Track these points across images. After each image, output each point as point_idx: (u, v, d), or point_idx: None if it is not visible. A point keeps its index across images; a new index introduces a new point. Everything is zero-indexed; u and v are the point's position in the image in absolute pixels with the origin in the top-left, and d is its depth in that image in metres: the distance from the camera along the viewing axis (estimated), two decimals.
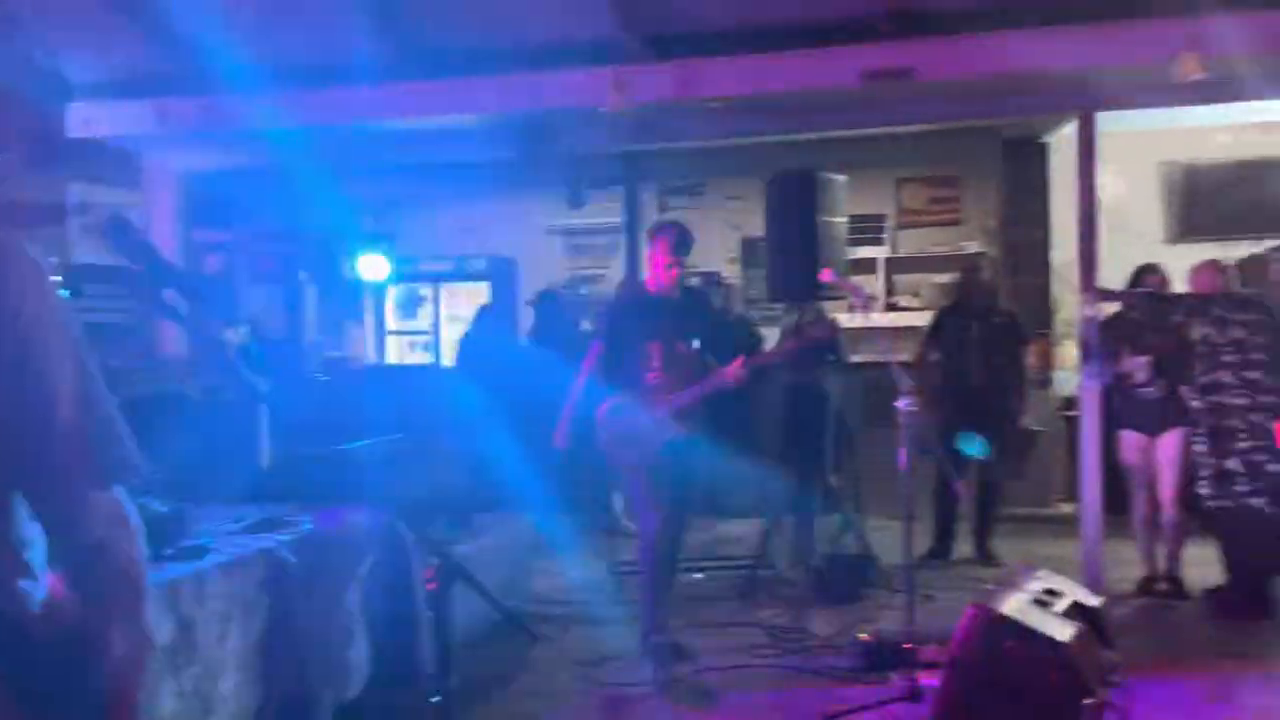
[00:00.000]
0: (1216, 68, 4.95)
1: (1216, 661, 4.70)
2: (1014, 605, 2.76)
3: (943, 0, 5.12)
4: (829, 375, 6.38)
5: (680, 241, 4.81)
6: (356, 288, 9.97)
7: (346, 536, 4.08)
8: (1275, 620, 5.28)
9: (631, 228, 9.09)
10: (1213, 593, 5.61)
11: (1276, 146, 8.29)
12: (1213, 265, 5.75)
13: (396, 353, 10.79)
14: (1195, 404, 5.55)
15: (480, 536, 5.36)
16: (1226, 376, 5.37)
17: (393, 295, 10.81)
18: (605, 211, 9.69)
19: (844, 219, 6.02)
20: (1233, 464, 5.34)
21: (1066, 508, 7.93)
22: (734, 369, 4.73)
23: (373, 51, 5.67)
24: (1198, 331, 5.48)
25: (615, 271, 10.90)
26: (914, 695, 4.20)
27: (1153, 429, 5.70)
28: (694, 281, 10.38)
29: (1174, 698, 4.02)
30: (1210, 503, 5.46)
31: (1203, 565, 5.81)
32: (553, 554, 6.39)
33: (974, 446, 6.00)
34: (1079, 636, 2.71)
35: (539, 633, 5.09)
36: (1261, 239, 8.26)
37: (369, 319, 10.77)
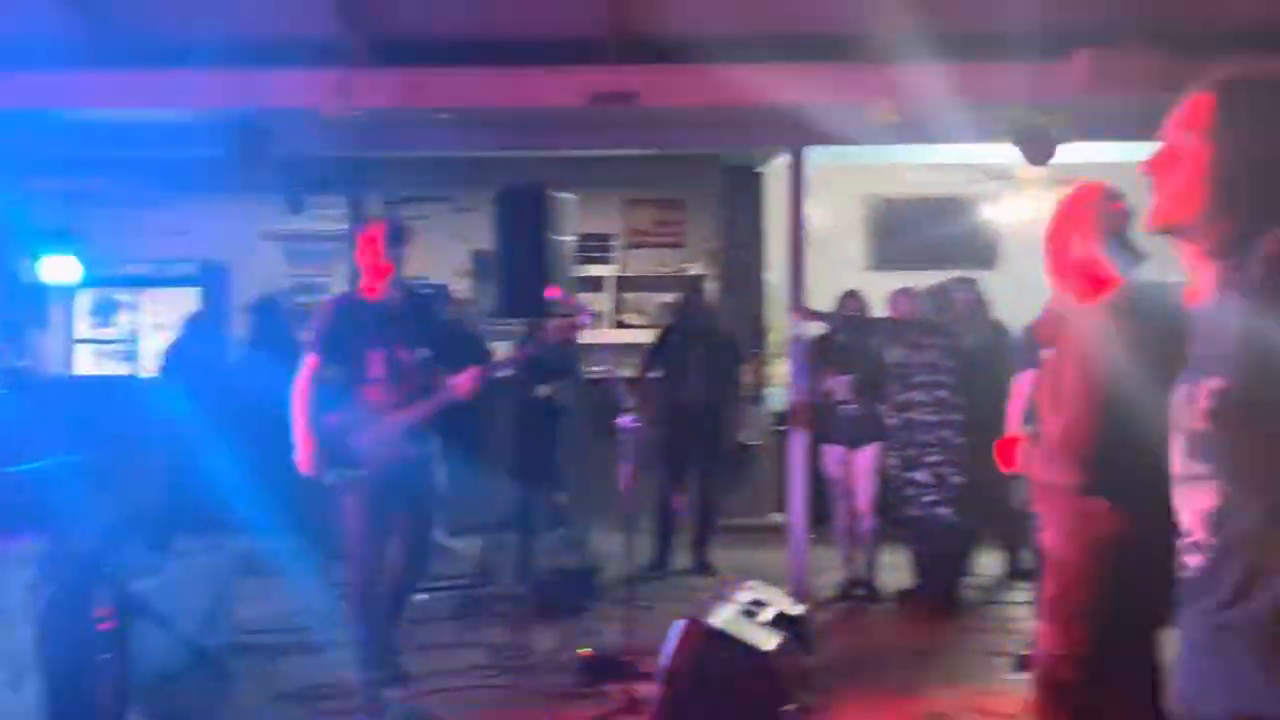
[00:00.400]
0: (908, 112, 5.39)
1: (909, 659, 5.08)
2: (723, 617, 2.85)
3: (668, 29, 5.26)
4: (562, 391, 6.44)
5: (393, 237, 4.44)
6: (41, 291, 9.08)
7: (17, 567, 3.69)
8: (960, 619, 5.76)
9: (355, 236, 8.79)
10: (905, 594, 6.08)
11: (960, 186, 9.13)
12: (908, 293, 6.26)
13: (89, 363, 9.90)
14: (890, 421, 6.00)
15: (179, 561, 5.00)
16: (919, 395, 5.85)
17: (84, 300, 9.93)
18: (328, 218, 9.32)
19: (573, 237, 6.07)
20: (922, 476, 5.81)
21: (778, 518, 8.36)
22: (466, 381, 4.45)
23: (68, 34, 5.18)
24: (894, 354, 5.94)
25: (339, 280, 10.53)
26: (631, 707, 4.29)
27: (852, 443, 6.11)
28: (422, 291, 10.25)
29: (868, 697, 4.30)
30: (903, 512, 5.92)
31: (897, 570, 6.29)
32: (267, 577, 6.05)
33: None
34: (782, 645, 2.84)
35: (232, 668, 4.72)
36: (946, 270, 9.09)
37: (56, 326, 9.83)
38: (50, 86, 5.58)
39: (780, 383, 8.91)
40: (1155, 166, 1.63)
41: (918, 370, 5.93)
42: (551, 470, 6.38)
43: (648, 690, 4.40)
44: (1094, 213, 2.77)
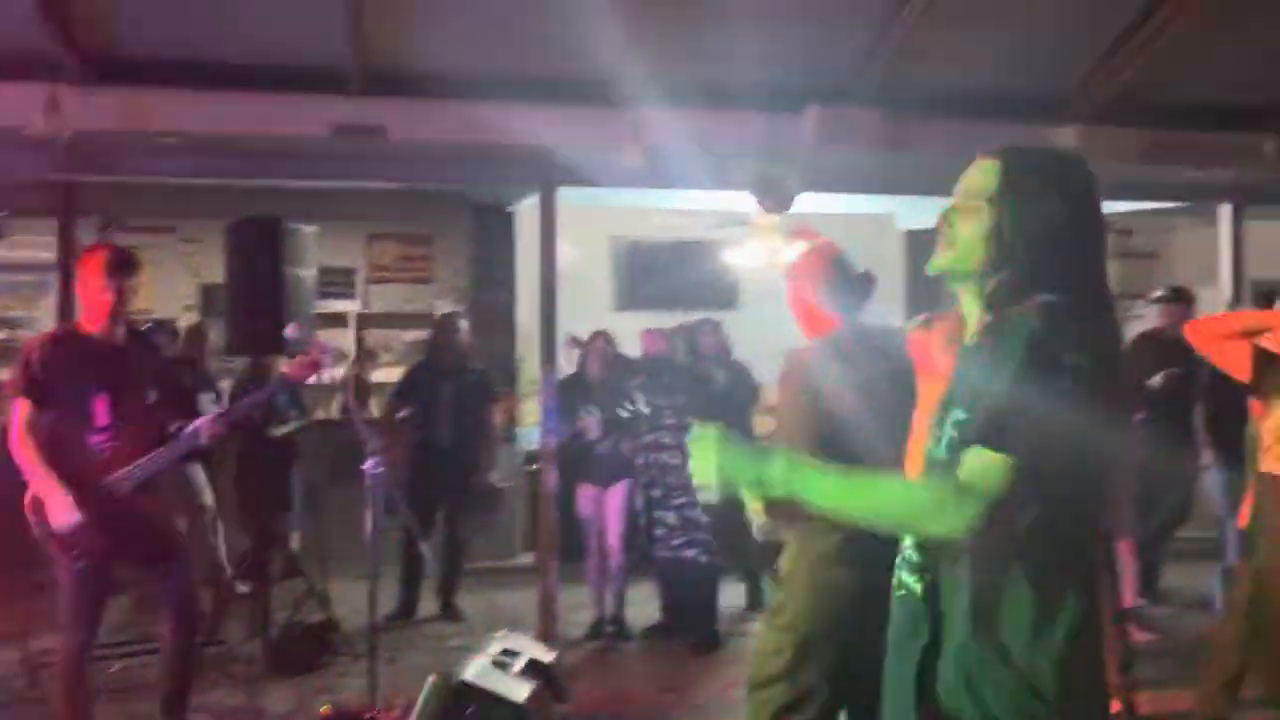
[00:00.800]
0: (653, 157, 5.53)
1: (658, 696, 5.14)
2: (474, 669, 2.76)
3: (416, 62, 5.16)
4: (296, 432, 6.13)
5: (117, 263, 3.98)
6: None
7: None
8: (708, 653, 5.87)
9: (66, 266, 8.06)
10: (653, 631, 6.16)
11: (703, 230, 9.47)
12: (659, 332, 6.39)
13: None
14: (639, 461, 6.08)
15: None
16: (666, 437, 5.94)
17: None
18: (35, 246, 8.50)
19: (313, 271, 5.82)
20: (671, 518, 5.90)
21: (526, 558, 8.29)
22: (209, 426, 4.07)
23: None
24: (643, 394, 6.03)
25: (45, 315, 9.62)
26: None
27: (603, 482, 6.15)
28: (146, 327, 9.52)
29: None
30: (652, 552, 6.01)
31: (644, 605, 6.36)
32: None
33: None
34: (535, 694, 2.77)
35: None
36: (691, 311, 9.39)
37: None
38: None
39: (530, 423, 8.89)
40: (945, 220, 1.83)
41: (666, 411, 6.04)
42: (282, 517, 6.05)
43: None
44: (818, 266, 3.20)
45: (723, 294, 9.56)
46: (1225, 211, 7.14)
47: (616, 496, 6.16)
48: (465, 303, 8.57)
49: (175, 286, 9.72)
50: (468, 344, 6.70)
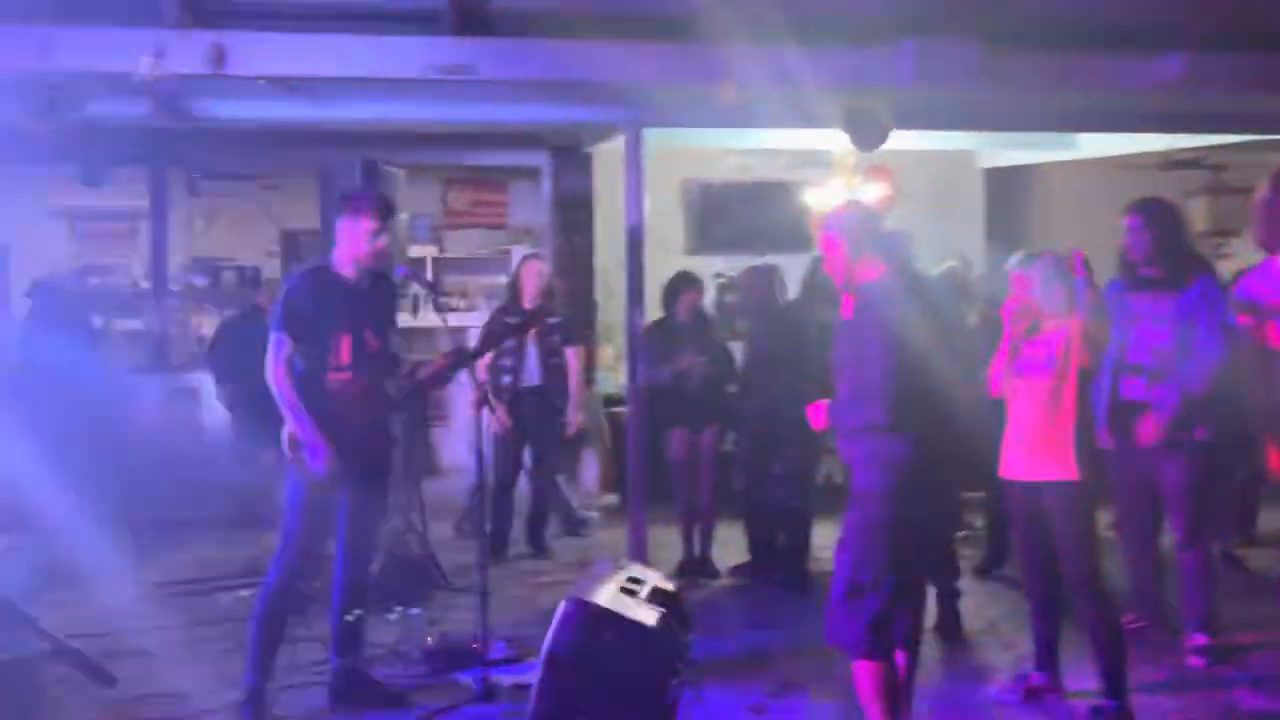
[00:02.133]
0: (746, 94, 5.47)
1: (752, 632, 5.20)
2: (605, 596, 2.81)
3: (508, 1, 5.15)
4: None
5: (384, 208, 4.08)
6: None
7: None
8: (800, 591, 5.88)
9: (159, 213, 8.21)
10: (739, 568, 6.20)
11: (778, 171, 9.38)
12: (757, 272, 6.29)
13: None
14: (749, 404, 6.01)
15: None
16: (779, 387, 5.73)
17: None
18: (124, 194, 8.66)
19: (404, 215, 5.88)
20: (778, 469, 5.86)
21: (610, 499, 8.39)
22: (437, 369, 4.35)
23: None
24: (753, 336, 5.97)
25: (135, 261, 9.82)
26: (487, 695, 4.19)
27: (695, 425, 6.15)
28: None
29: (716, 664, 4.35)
30: (755, 499, 5.98)
31: (727, 545, 6.41)
32: (73, 577, 5.59)
33: None
34: (662, 620, 2.82)
35: (115, 674, 4.28)
36: (763, 254, 9.33)
37: None
38: None
39: (607, 366, 8.94)
40: None
41: (772, 356, 5.90)
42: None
43: (502, 677, 4.37)
44: (860, 216, 3.73)
45: (798, 236, 9.48)
46: None
47: (708, 440, 6.17)
48: (541, 246, 8.59)
49: (257, 232, 9.89)
50: (550, 288, 6.71)
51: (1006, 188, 9.66)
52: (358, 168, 5.46)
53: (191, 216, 9.69)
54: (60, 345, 7.14)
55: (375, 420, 4.19)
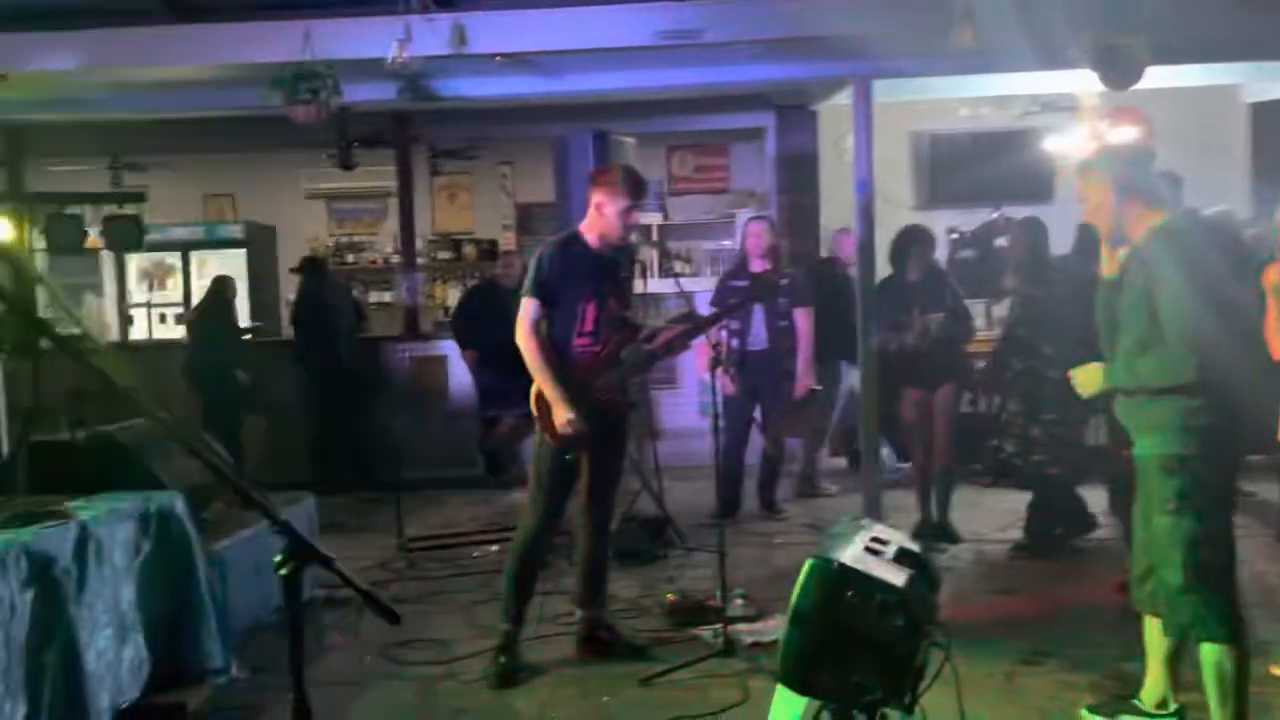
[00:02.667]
0: (983, 40, 5.23)
1: (1000, 598, 5.06)
2: (850, 555, 2.79)
3: None
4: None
5: (637, 183, 4.21)
6: (94, 257, 9.10)
7: (118, 526, 3.68)
8: (1056, 562, 5.63)
9: (406, 192, 8.71)
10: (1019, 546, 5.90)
11: (1013, 118, 8.93)
12: (1024, 224, 5.95)
13: (144, 327, 9.92)
14: (1017, 364, 5.70)
15: (260, 520, 4.98)
16: (1047, 347, 5.48)
17: (137, 265, 9.93)
18: (374, 175, 9.25)
19: None
20: (1036, 431, 5.60)
21: (837, 461, 8.31)
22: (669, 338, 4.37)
23: None
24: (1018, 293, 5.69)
25: (384, 238, 10.48)
26: (727, 650, 4.26)
27: (929, 385, 5.98)
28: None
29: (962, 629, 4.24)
30: (1016, 463, 5.72)
31: (966, 509, 6.22)
32: (339, 533, 6.08)
33: None
34: (911, 581, 2.78)
35: (400, 614, 4.66)
36: (998, 206, 8.92)
37: (109, 289, 9.86)
38: (117, 44, 5.51)
39: None
40: None
41: (1045, 315, 5.55)
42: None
43: (741, 633, 4.44)
44: (1129, 159, 3.39)
45: (1036, 186, 9.01)
46: None
47: (944, 400, 5.99)
48: (765, 208, 8.54)
49: (494, 207, 10.34)
50: (776, 249, 6.66)
51: (1276, 124, 8.81)
52: (589, 140, 5.57)
53: (434, 194, 10.23)
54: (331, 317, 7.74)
55: (614, 384, 4.31)
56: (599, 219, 4.20)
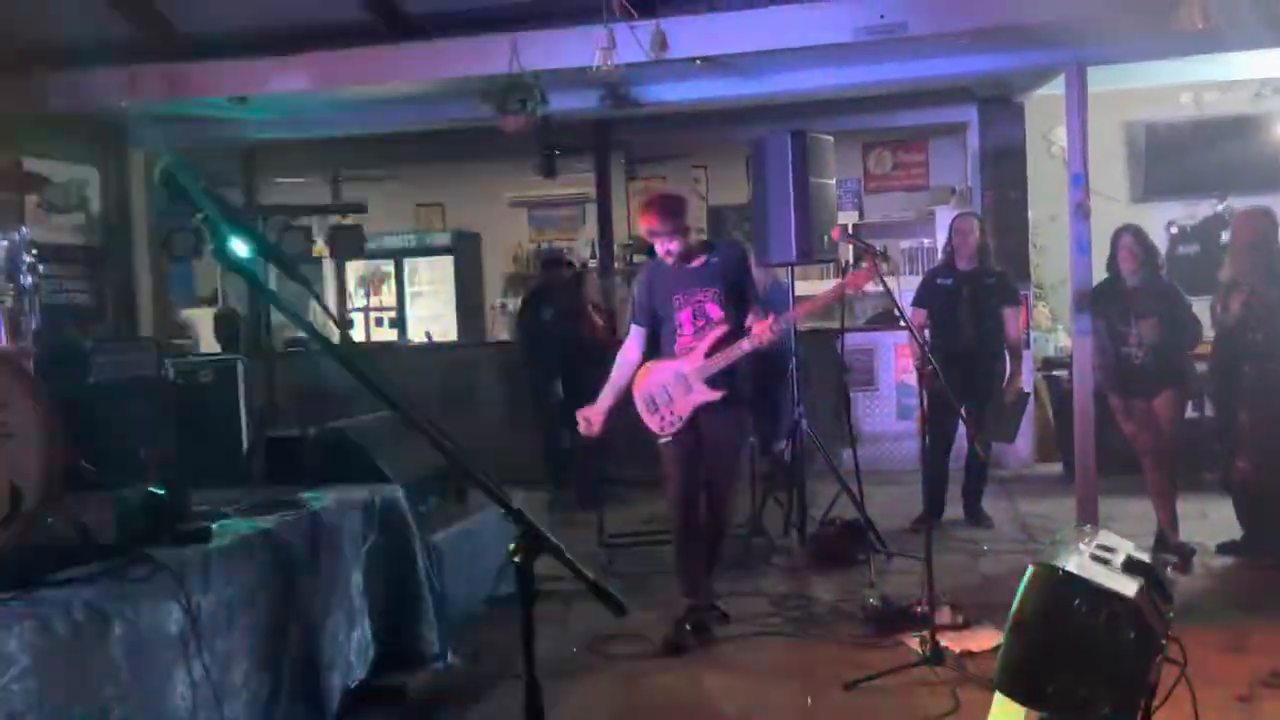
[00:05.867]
0: (1215, 17, 4.89)
1: (1239, 613, 4.72)
2: (1075, 563, 2.67)
3: None
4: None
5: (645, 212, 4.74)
6: (315, 264, 9.69)
7: (347, 516, 3.91)
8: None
9: (604, 197, 8.90)
10: (1226, 546, 5.59)
11: (1241, 103, 8.34)
12: (1254, 214, 5.53)
13: (360, 330, 10.53)
14: (1249, 369, 5.34)
15: (475, 513, 5.21)
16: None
17: (354, 271, 10.54)
18: (571, 183, 9.49)
19: (834, 180, 5.91)
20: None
21: (1043, 468, 7.96)
22: (764, 331, 4.53)
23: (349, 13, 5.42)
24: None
25: (581, 243, 10.74)
26: (935, 658, 4.14)
27: (1145, 392, 5.62)
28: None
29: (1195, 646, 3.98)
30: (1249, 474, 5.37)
31: (1194, 520, 5.83)
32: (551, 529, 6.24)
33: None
34: (1142, 591, 2.63)
35: (626, 605, 4.82)
36: (1224, 197, 8.34)
37: (330, 295, 10.49)
38: (334, 65, 5.86)
39: (1044, 327, 8.46)
40: None
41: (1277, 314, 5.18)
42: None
43: (950, 640, 4.31)
44: None
45: (1267, 175, 8.37)
46: None
47: (1163, 408, 5.59)
48: (967, 204, 8.28)
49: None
50: (984, 246, 6.43)
51: None
52: (787, 139, 5.53)
53: (629, 198, 10.41)
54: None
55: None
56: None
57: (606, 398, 4.71)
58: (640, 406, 4.70)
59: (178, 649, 2.93)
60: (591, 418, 4.68)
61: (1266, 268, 5.25)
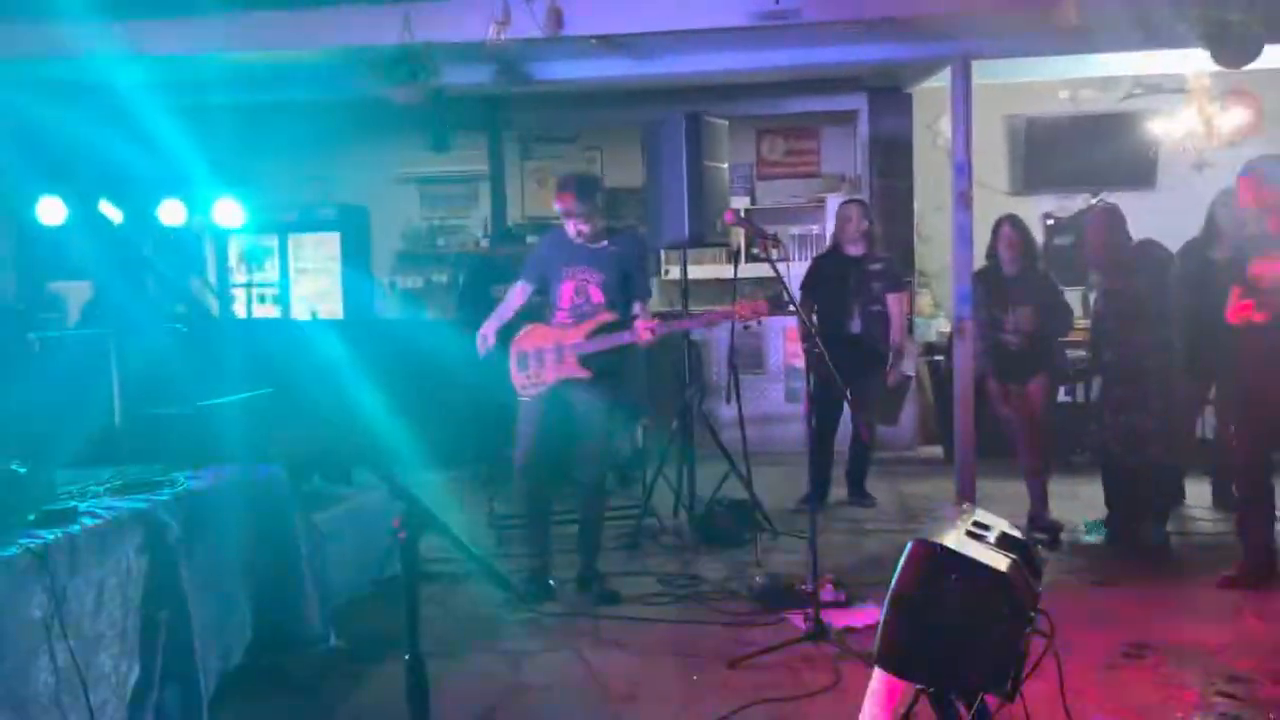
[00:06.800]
0: (1088, 16, 5.08)
1: (1101, 590, 4.96)
2: (952, 539, 2.75)
3: None
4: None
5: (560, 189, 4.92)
6: (197, 238, 9.35)
7: (223, 495, 3.80)
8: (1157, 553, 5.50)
9: (497, 176, 8.79)
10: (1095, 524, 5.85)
11: (1114, 101, 8.67)
12: (1109, 213, 5.76)
13: (242, 307, 10.18)
14: (1108, 356, 5.60)
15: (360, 494, 5.12)
16: (1141, 335, 5.39)
17: (236, 246, 10.20)
18: (465, 159, 9.34)
19: (726, 165, 5.95)
20: (1142, 423, 5.43)
21: (925, 450, 8.20)
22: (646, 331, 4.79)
23: None
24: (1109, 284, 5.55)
25: (474, 222, 10.60)
26: (818, 634, 4.23)
27: (1019, 378, 5.82)
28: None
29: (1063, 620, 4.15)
30: (1118, 456, 5.59)
31: (1063, 500, 6.08)
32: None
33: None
34: (1014, 566, 2.72)
35: (518, 588, 4.86)
36: (1097, 192, 8.68)
37: (211, 270, 10.13)
38: (206, 31, 5.65)
39: (926, 314, 8.69)
40: None
41: (1128, 304, 5.45)
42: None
43: (833, 617, 4.41)
44: None
45: (1138, 172, 8.75)
46: None
47: (1036, 392, 5.82)
48: (859, 192, 8.44)
49: None
50: (870, 233, 6.56)
51: None
52: (681, 122, 5.55)
53: (524, 178, 10.30)
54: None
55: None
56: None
57: (491, 323, 5.00)
58: (512, 361, 4.93)
59: (40, 634, 2.81)
60: (487, 336, 4.95)
61: (1115, 261, 5.50)
